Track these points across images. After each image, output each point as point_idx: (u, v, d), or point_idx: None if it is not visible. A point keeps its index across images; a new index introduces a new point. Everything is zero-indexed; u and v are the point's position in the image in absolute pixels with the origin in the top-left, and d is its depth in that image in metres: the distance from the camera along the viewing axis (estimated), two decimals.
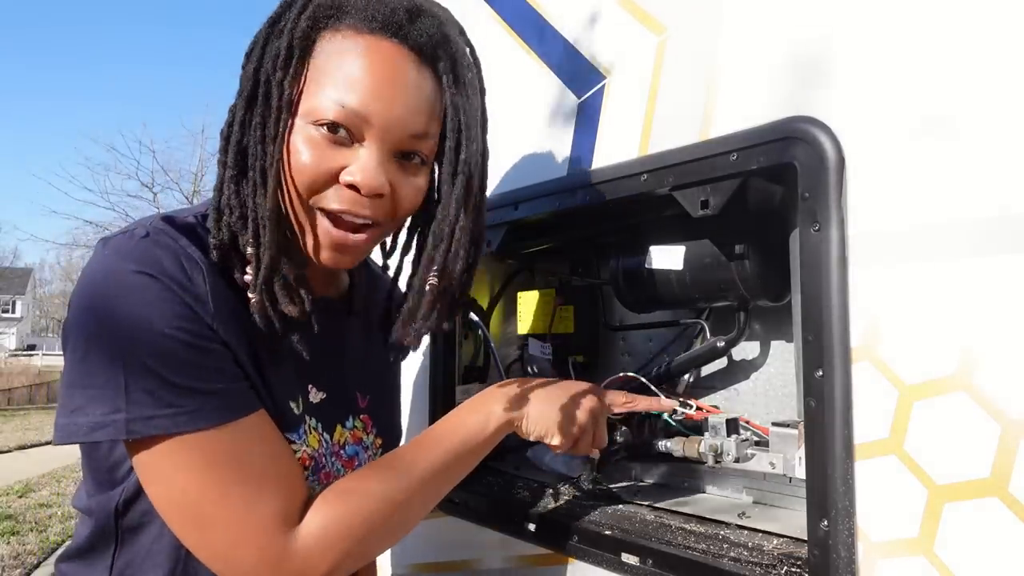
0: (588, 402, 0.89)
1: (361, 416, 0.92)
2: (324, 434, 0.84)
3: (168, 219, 0.74)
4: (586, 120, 1.03)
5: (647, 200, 0.93)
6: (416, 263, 0.83)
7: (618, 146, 0.97)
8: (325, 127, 0.71)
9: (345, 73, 0.72)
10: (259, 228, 0.72)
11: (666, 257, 1.00)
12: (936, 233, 0.65)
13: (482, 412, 0.85)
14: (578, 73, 1.05)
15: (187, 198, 23.66)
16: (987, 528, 0.61)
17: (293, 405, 0.80)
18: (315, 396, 0.84)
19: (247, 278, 0.73)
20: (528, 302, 1.28)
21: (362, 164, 0.72)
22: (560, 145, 1.07)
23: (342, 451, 0.87)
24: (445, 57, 0.77)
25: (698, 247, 0.98)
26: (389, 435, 0.97)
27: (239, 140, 0.73)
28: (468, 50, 0.81)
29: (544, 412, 0.87)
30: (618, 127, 0.98)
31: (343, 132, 0.72)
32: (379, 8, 0.73)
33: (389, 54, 0.73)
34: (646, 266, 1.02)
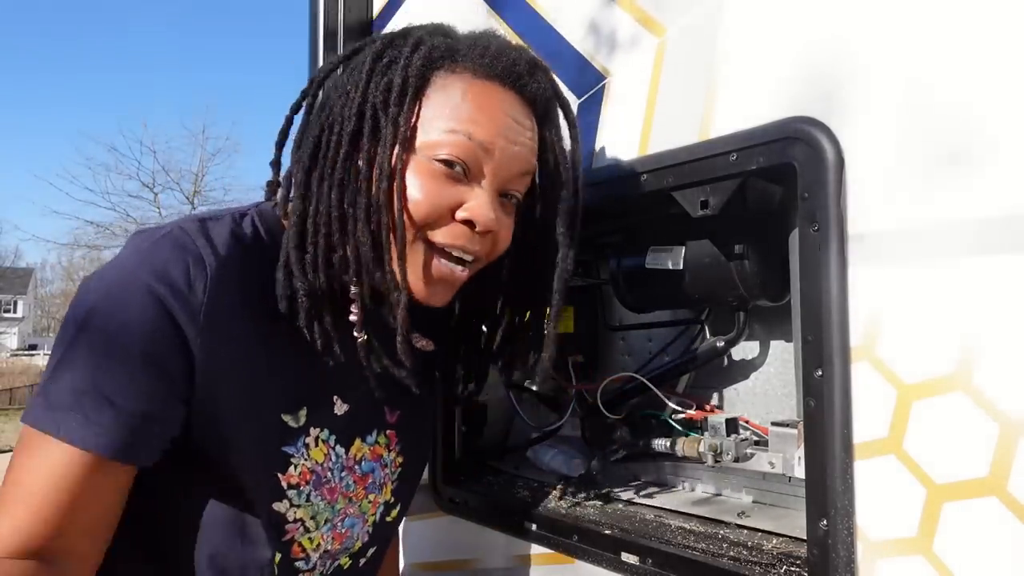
0: None
1: (387, 431, 0.90)
2: (337, 447, 0.83)
3: (201, 219, 0.75)
4: (586, 120, 1.03)
5: (647, 200, 0.93)
6: (529, 306, 0.87)
7: (618, 146, 0.97)
8: (444, 162, 0.72)
9: (467, 110, 0.73)
10: (361, 268, 0.73)
11: (666, 257, 1.00)
12: (935, 233, 0.65)
13: None
14: (578, 73, 1.05)
15: (188, 198, 23.70)
16: (986, 527, 0.61)
17: (288, 418, 0.79)
18: (339, 408, 0.84)
19: (352, 318, 0.75)
20: None
21: (480, 201, 0.73)
22: None
23: (357, 466, 0.86)
24: (554, 113, 0.81)
25: (698, 247, 0.98)
26: (412, 455, 0.94)
27: (342, 179, 0.72)
28: (570, 107, 0.85)
29: None
30: (618, 127, 0.98)
31: (459, 168, 0.72)
32: (500, 58, 0.75)
33: (508, 99, 0.75)
34: (646, 266, 1.02)
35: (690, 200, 0.87)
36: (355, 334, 0.75)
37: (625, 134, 0.96)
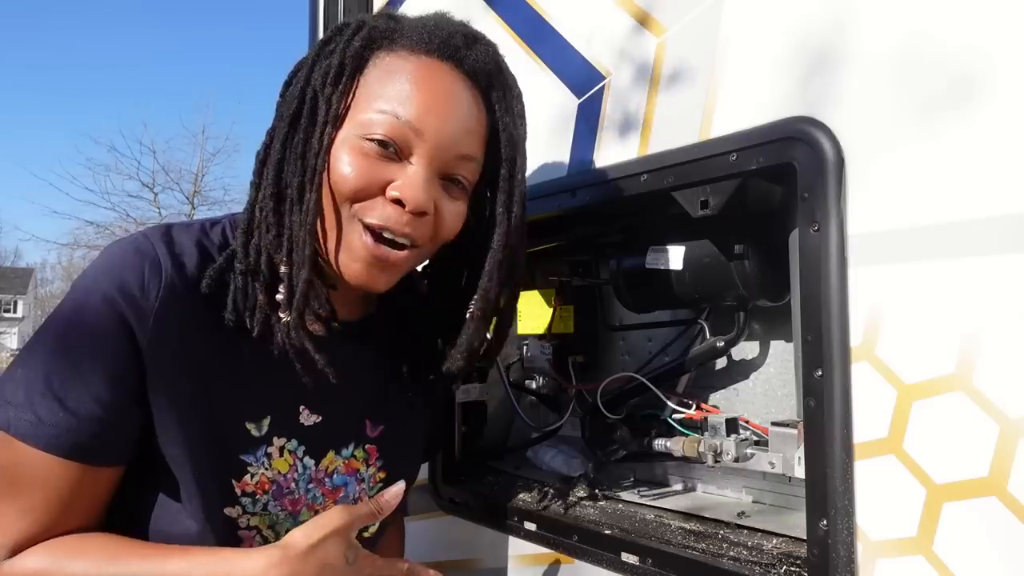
0: (339, 545, 0.74)
1: (366, 446, 0.88)
2: (305, 459, 0.82)
3: (168, 226, 0.77)
4: (586, 120, 1.03)
5: (647, 200, 0.93)
6: (464, 292, 0.82)
7: (618, 146, 0.97)
8: (375, 141, 0.71)
9: (400, 88, 0.72)
10: (293, 246, 0.72)
11: (666, 257, 1.00)
12: (935, 233, 0.65)
13: None
14: (578, 73, 1.05)
15: (187, 198, 23.71)
16: (986, 527, 0.61)
17: (252, 427, 0.78)
18: (307, 418, 0.82)
19: (279, 297, 0.73)
20: (528, 302, 1.28)
21: (410, 180, 0.72)
22: (560, 145, 1.07)
23: (327, 479, 0.85)
24: (498, 86, 0.78)
25: (698, 247, 0.98)
26: (397, 470, 0.92)
27: (279, 159, 0.73)
28: (516, 80, 0.82)
29: None
30: (618, 127, 0.98)
31: (392, 148, 0.72)
32: (436, 32, 0.74)
33: (445, 75, 0.74)
34: (646, 266, 1.02)
35: (690, 200, 0.87)
36: (280, 314, 0.73)
37: (625, 134, 0.96)
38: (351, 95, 0.73)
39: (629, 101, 0.97)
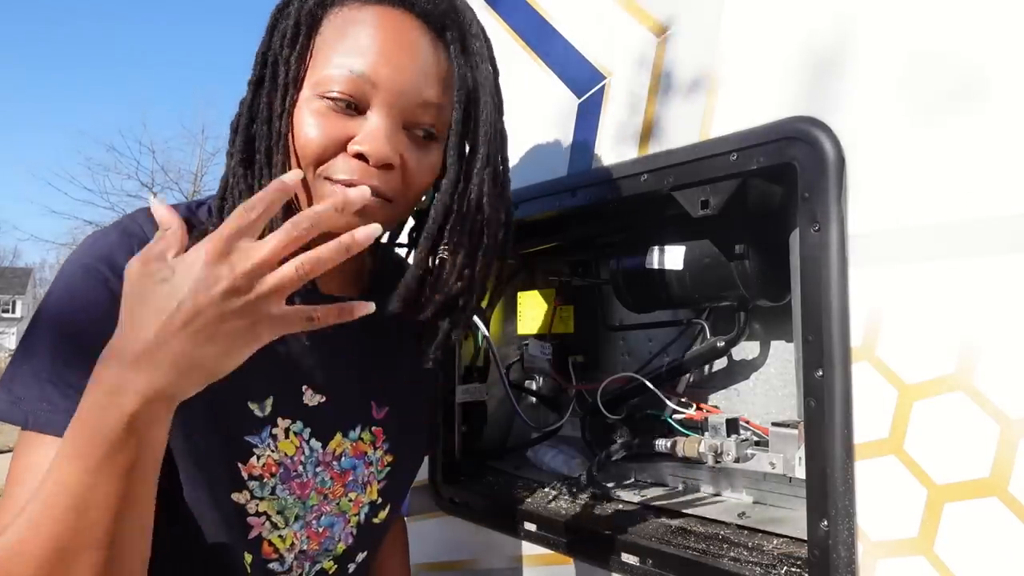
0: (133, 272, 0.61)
1: (373, 428, 0.87)
2: (312, 441, 0.81)
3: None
4: (586, 120, 1.03)
5: (647, 200, 0.93)
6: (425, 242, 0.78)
7: (618, 146, 0.97)
8: (332, 98, 0.71)
9: (352, 42, 0.72)
10: None
11: (666, 257, 1.00)
12: (936, 233, 0.65)
13: (105, 399, 0.58)
14: (578, 73, 1.05)
15: (187, 198, 23.60)
16: (987, 528, 0.61)
17: (255, 407, 0.77)
18: (311, 399, 0.81)
19: None
20: (528, 302, 1.28)
21: (370, 133, 0.71)
22: (560, 145, 1.07)
23: (335, 462, 0.83)
24: (453, 26, 0.77)
25: (698, 247, 0.98)
26: (404, 453, 0.91)
27: (247, 126, 0.73)
28: (475, 20, 0.80)
29: (187, 342, 0.58)
30: (618, 127, 0.98)
31: (349, 104, 0.71)
32: None
33: (396, 22, 0.73)
34: (646, 266, 1.02)
35: (690, 200, 0.87)
36: None
37: (625, 134, 0.96)
38: (308, 55, 0.73)
39: (629, 101, 0.97)
